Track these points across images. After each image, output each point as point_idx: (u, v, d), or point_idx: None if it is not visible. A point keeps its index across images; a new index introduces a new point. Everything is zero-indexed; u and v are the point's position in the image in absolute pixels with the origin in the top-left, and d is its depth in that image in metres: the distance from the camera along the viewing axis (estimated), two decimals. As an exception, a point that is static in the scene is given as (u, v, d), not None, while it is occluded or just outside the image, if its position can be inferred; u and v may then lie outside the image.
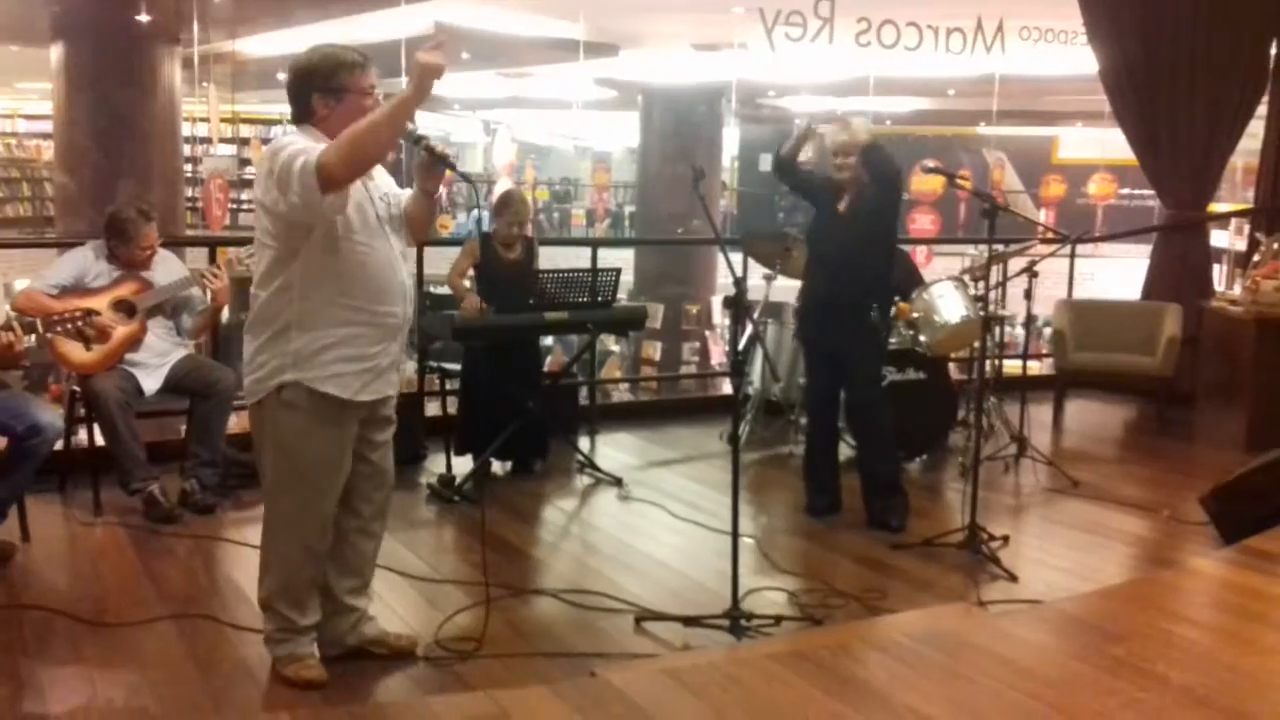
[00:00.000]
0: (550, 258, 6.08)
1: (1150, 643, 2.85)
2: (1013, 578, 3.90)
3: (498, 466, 5.17)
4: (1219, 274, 8.96)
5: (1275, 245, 5.92)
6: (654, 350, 11.64)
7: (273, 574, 2.97)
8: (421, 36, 8.52)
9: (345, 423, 2.88)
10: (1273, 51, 6.86)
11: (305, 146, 2.67)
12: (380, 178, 2.98)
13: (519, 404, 4.91)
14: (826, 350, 4.60)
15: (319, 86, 2.81)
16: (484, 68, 10.82)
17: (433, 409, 5.67)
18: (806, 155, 4.62)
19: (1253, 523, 4.19)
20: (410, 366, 5.59)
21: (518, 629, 3.39)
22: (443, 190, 4.77)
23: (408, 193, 3.02)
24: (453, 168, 2.97)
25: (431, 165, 2.95)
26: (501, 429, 4.90)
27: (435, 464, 5.19)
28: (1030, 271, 5.51)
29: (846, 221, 4.47)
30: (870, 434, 4.64)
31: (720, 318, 11.28)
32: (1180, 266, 7.07)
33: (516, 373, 5.03)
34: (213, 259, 4.95)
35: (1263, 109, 6.99)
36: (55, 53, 9.15)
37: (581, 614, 3.53)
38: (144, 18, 8.67)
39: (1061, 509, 4.88)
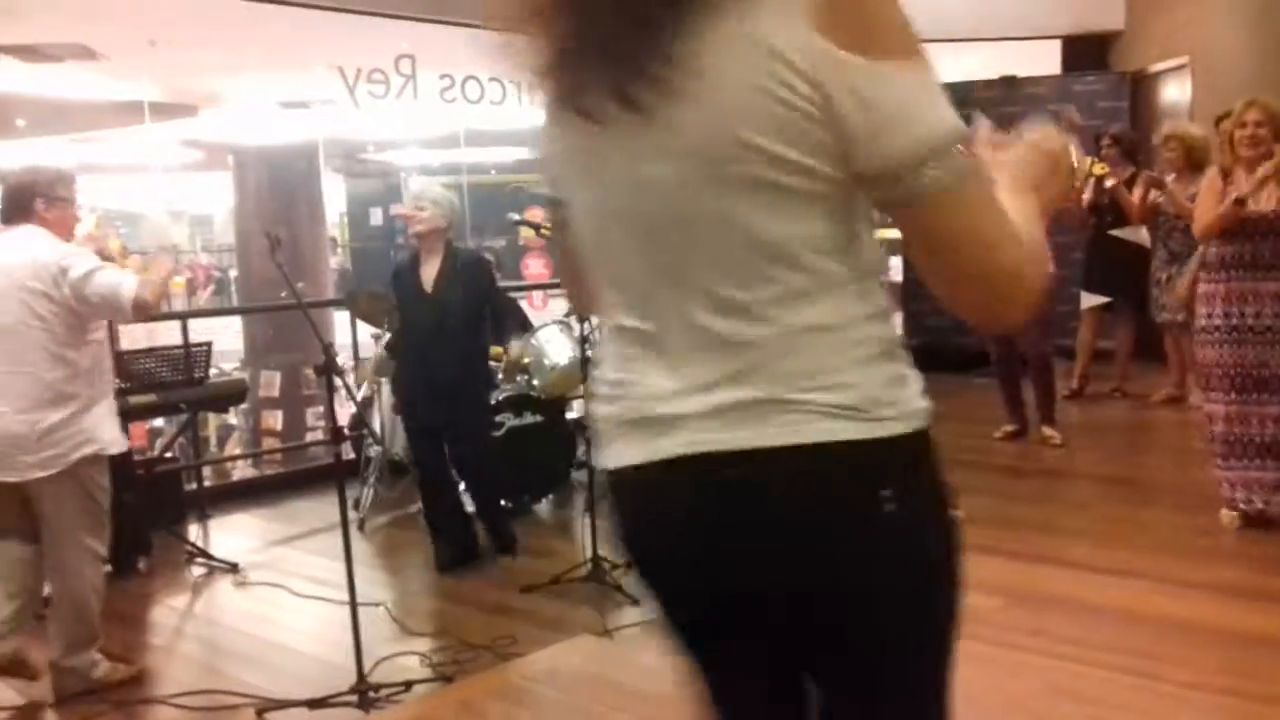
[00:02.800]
0: (140, 337, 5.66)
1: (746, 645, 3.11)
2: (635, 602, 4.08)
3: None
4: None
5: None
6: (275, 420, 11.09)
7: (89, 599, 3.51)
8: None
9: None
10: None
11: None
12: None
13: (113, 499, 4.49)
14: (435, 426, 4.68)
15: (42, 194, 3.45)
16: (46, 134, 9.90)
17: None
18: None
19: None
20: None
21: (122, 749, 3.10)
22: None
23: None
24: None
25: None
26: None
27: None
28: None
29: (435, 304, 4.55)
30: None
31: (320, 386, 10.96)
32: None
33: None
34: None
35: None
36: None
37: (198, 716, 3.30)
38: None
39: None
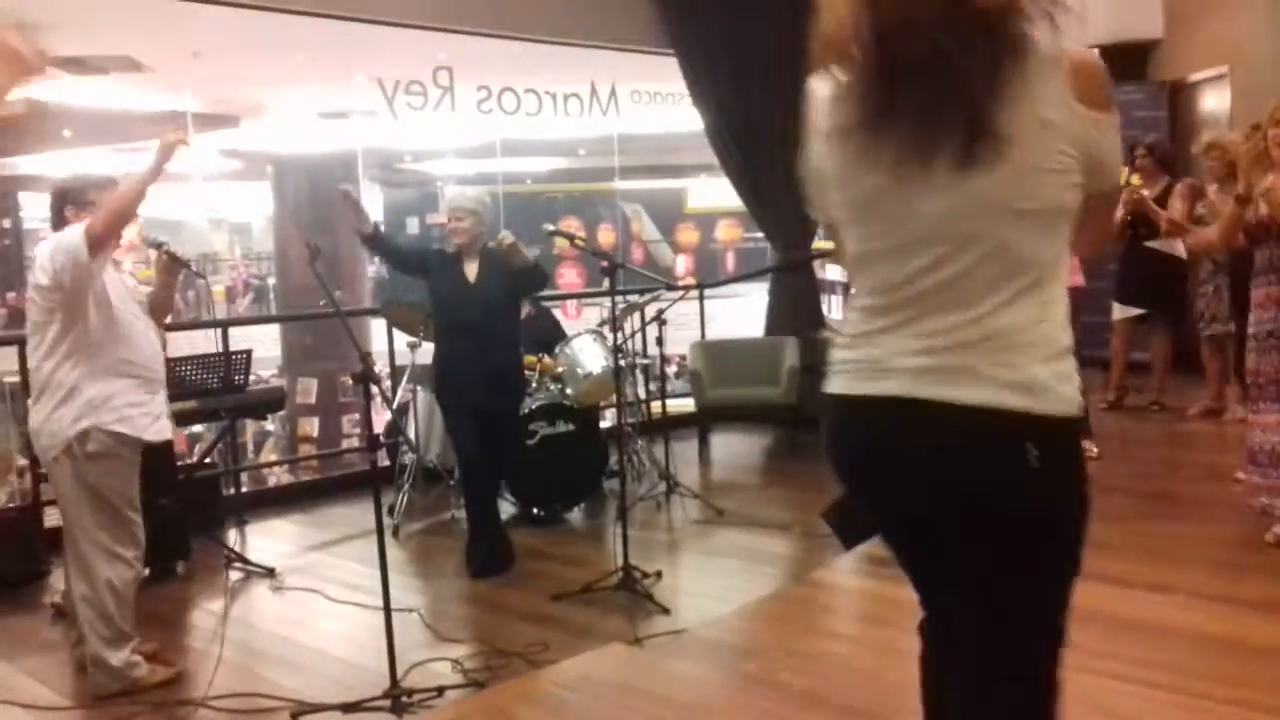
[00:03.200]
0: (182, 344, 5.75)
1: (776, 655, 3.11)
2: (665, 611, 4.10)
3: (134, 574, 4.78)
4: (835, 303, 9.95)
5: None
6: (311, 427, 11.22)
7: (104, 598, 3.53)
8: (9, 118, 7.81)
9: None
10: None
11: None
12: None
13: (150, 504, 4.57)
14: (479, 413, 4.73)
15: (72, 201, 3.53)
16: (91, 145, 10.10)
17: (53, 520, 5.15)
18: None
19: (866, 529, 4.67)
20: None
21: (160, 750, 3.15)
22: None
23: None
24: (187, 267, 3.78)
25: (170, 266, 3.73)
26: None
27: (59, 580, 4.72)
28: (660, 320, 5.87)
29: (481, 294, 4.64)
30: None
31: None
32: (794, 302, 7.79)
33: (145, 471, 4.69)
34: None
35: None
36: None
37: (235, 719, 3.35)
38: None
39: (709, 538, 5.20)
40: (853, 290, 1.77)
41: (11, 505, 5.18)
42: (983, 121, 1.47)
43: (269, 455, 10.83)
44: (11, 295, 11.44)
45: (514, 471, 5.33)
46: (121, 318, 3.51)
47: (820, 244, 8.59)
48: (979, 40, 1.46)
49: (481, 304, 4.69)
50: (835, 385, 1.72)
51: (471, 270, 4.75)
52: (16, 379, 5.02)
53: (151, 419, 3.60)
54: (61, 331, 3.44)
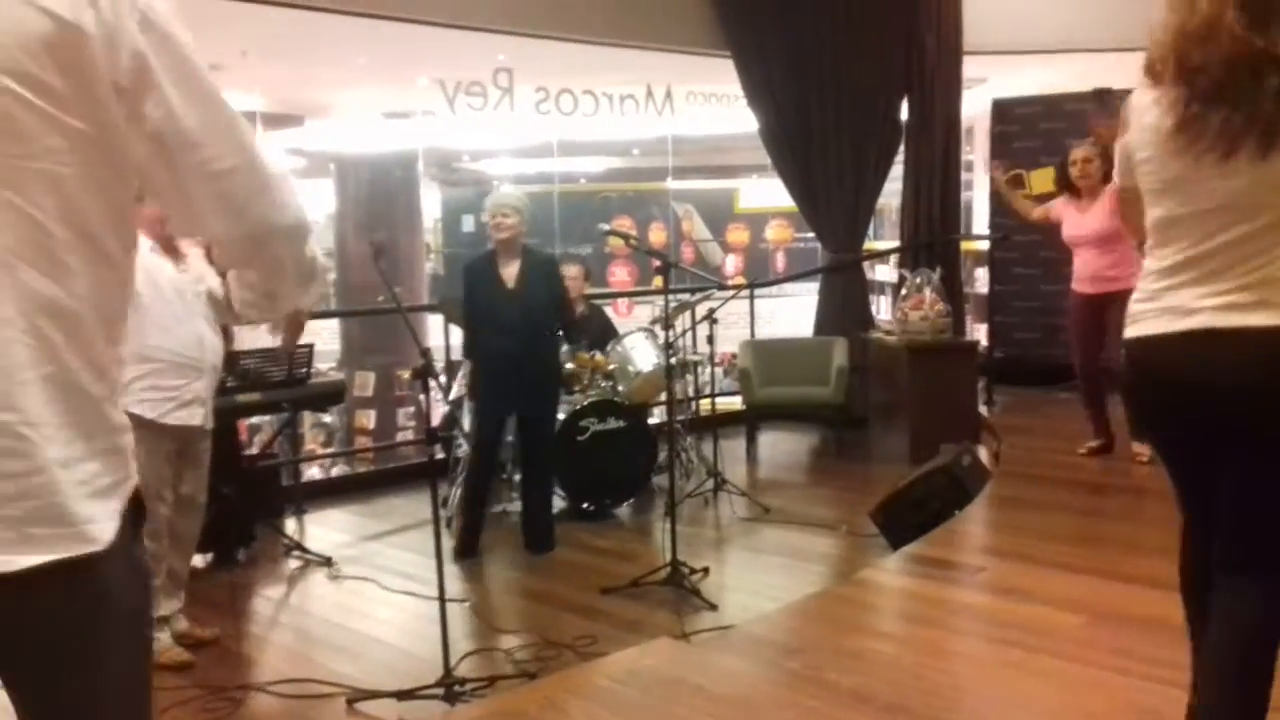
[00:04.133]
0: (246, 338, 5.90)
1: (821, 653, 3.16)
2: (712, 607, 4.17)
3: (198, 559, 4.94)
4: (884, 305, 9.93)
5: (918, 280, 6.67)
6: (368, 420, 11.40)
7: None
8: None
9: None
10: (903, 112, 7.76)
11: None
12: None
13: (214, 492, 4.73)
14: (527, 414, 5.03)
15: None
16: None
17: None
18: None
19: (914, 529, 4.70)
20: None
21: (224, 729, 3.28)
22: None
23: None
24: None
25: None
26: None
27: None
28: (711, 319, 5.93)
29: (520, 299, 4.85)
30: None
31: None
32: (843, 302, 7.80)
33: (213, 459, 4.85)
34: None
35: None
36: None
37: (291, 704, 3.46)
38: None
39: (756, 536, 5.25)
40: (1154, 253, 2.21)
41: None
42: (1274, 132, 1.96)
43: (318, 447, 11.03)
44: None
45: (565, 466, 5.44)
46: (154, 306, 3.55)
47: (871, 245, 8.58)
48: (1267, 72, 1.96)
49: (520, 309, 4.85)
50: (1142, 329, 2.18)
51: (510, 273, 4.90)
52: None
53: (176, 404, 3.62)
54: None
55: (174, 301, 3.66)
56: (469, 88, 7.10)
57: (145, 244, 3.62)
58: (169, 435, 3.66)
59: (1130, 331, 2.22)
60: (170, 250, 3.68)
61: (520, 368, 4.85)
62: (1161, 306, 2.14)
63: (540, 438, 5.12)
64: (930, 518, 4.72)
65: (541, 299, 4.93)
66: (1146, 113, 2.17)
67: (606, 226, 5.05)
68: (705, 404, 7.08)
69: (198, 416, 3.73)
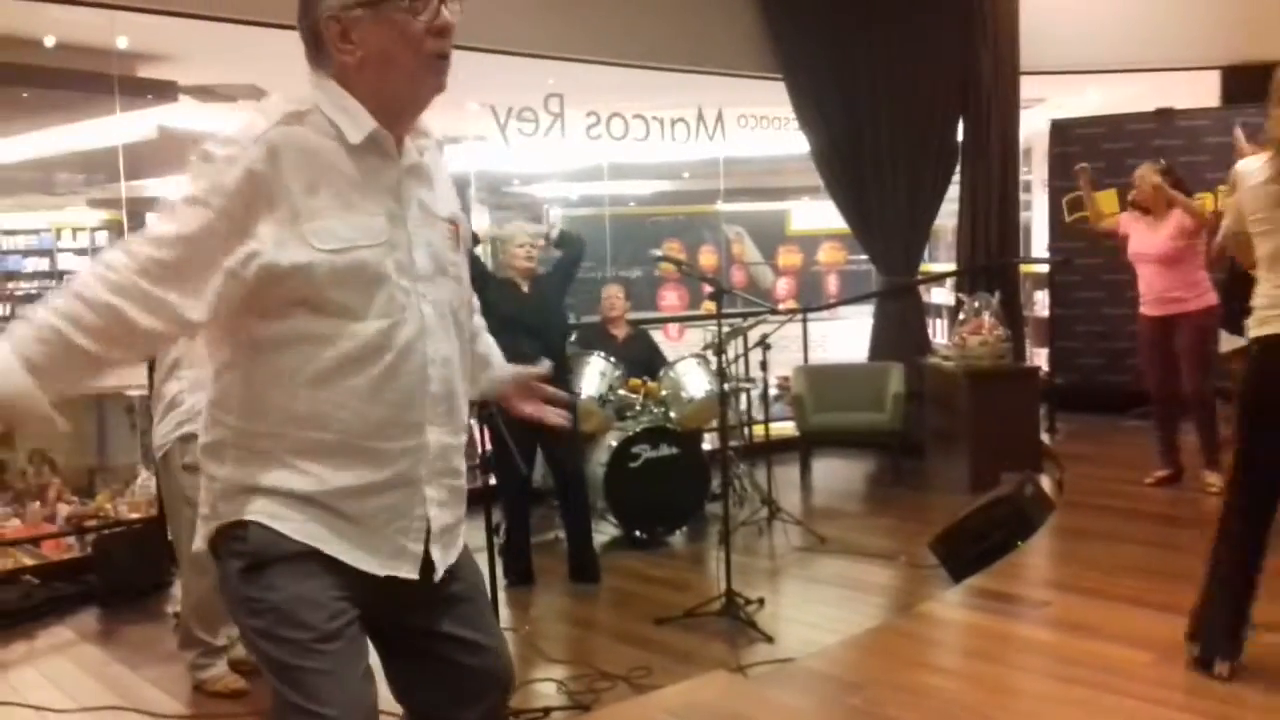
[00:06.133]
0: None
1: (882, 689, 3.06)
2: (769, 639, 4.08)
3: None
4: (941, 328, 9.78)
5: (976, 304, 6.54)
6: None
7: (187, 603, 3.74)
8: (144, 142, 8.22)
9: None
10: (960, 133, 7.65)
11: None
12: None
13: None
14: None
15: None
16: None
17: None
18: None
19: (975, 561, 4.58)
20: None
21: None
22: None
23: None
24: None
25: None
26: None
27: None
28: (764, 344, 5.85)
29: (536, 299, 4.97)
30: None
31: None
32: (899, 327, 7.69)
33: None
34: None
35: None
36: None
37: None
38: None
39: (812, 566, 5.16)
40: (1268, 276, 2.99)
41: (137, 516, 5.42)
42: None
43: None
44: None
45: (616, 493, 5.39)
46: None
47: (927, 267, 8.45)
48: None
49: (536, 310, 4.90)
50: (1272, 328, 2.92)
51: (525, 285, 4.99)
52: (144, 392, 5.25)
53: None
54: (173, 347, 3.66)
55: None
56: (520, 113, 7.13)
57: None
58: None
59: (1259, 331, 2.82)
60: None
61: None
62: None
63: (565, 464, 5.04)
64: (992, 549, 4.60)
65: (555, 297, 5.00)
66: (1254, 176, 3.02)
67: (658, 253, 5.04)
68: (758, 429, 6.99)
69: None
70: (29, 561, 5.13)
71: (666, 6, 6.50)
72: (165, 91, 7.45)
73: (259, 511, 1.63)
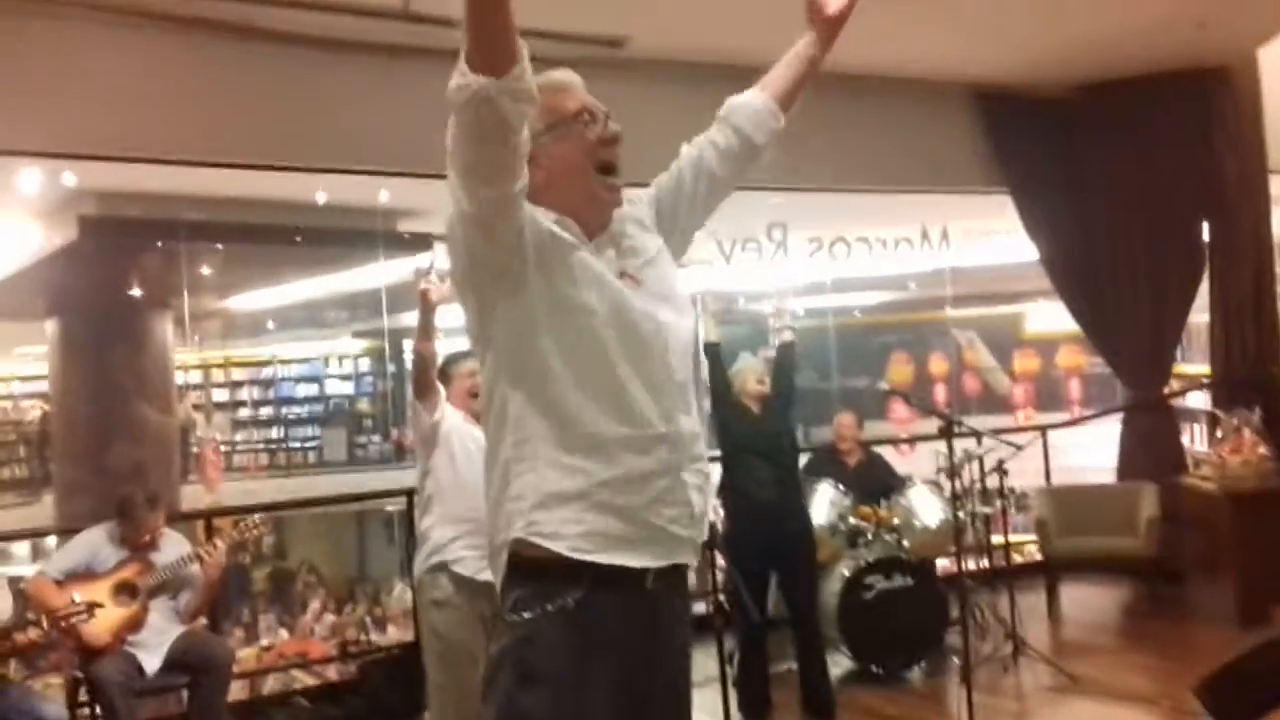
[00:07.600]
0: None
1: None
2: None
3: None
4: (1198, 433, 9.11)
5: (1235, 421, 6.12)
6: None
7: None
8: (403, 284, 8.96)
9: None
10: (1205, 232, 7.26)
11: None
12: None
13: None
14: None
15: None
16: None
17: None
18: None
19: (1251, 710, 4.21)
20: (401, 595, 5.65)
21: None
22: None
23: None
24: None
25: None
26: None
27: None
28: (1000, 470, 5.67)
29: (768, 422, 4.94)
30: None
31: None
32: (1150, 442, 7.24)
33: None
34: (209, 532, 5.07)
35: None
36: (50, 327, 9.50)
37: None
38: (137, 292, 9.09)
39: (1063, 707, 4.89)
40: None
41: (398, 643, 5.78)
42: None
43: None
44: (394, 432, 12.80)
45: (850, 626, 5.32)
46: (465, 471, 3.67)
47: (1179, 368, 7.94)
48: None
49: (768, 434, 4.89)
50: None
51: (756, 408, 4.95)
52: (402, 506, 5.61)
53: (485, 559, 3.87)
54: (421, 479, 3.87)
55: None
56: (744, 244, 7.34)
57: (458, 413, 3.92)
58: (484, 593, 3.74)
59: None
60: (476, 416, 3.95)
61: (772, 501, 4.79)
62: None
63: (798, 594, 4.94)
64: (1271, 698, 4.22)
65: (786, 415, 4.97)
66: None
67: (886, 387, 5.03)
68: (998, 554, 6.71)
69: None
70: (301, 683, 5.56)
71: (887, 130, 6.56)
72: (422, 242, 8.22)
73: None
